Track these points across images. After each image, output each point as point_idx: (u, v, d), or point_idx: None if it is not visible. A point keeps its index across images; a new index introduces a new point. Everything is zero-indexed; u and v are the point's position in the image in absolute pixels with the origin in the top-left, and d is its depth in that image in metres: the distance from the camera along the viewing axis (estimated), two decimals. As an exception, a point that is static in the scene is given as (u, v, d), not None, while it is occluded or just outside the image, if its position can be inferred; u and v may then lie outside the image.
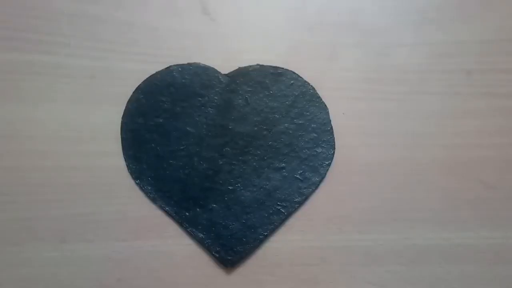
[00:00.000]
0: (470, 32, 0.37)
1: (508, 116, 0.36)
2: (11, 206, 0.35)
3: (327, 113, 0.36)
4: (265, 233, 0.35)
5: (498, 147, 0.36)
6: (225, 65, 0.36)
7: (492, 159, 0.36)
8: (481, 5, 0.37)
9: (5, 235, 0.35)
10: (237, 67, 0.36)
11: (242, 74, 0.36)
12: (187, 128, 0.36)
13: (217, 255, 0.34)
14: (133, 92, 0.36)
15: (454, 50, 0.37)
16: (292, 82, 0.36)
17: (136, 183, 0.35)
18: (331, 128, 0.36)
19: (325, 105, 0.36)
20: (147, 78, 0.36)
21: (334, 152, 0.36)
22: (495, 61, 0.37)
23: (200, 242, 0.35)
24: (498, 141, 0.36)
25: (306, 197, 0.35)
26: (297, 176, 0.35)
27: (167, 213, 0.35)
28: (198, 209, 0.35)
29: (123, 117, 0.36)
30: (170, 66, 0.36)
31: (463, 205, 0.35)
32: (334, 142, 0.36)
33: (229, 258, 0.34)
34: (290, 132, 0.36)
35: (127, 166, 0.36)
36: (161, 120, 0.36)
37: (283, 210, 0.35)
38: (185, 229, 0.35)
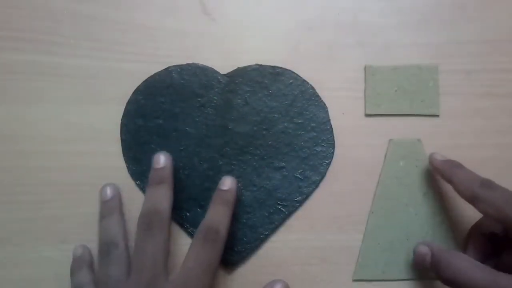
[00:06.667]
0: (470, 32, 0.37)
1: (508, 116, 0.36)
2: (11, 206, 0.35)
3: (326, 112, 0.36)
4: (266, 233, 0.35)
5: (498, 147, 0.36)
6: (224, 65, 0.36)
7: (492, 159, 0.36)
8: (481, 5, 0.37)
9: (5, 235, 0.35)
10: (236, 67, 0.36)
11: (241, 74, 0.36)
12: (187, 128, 0.36)
13: (217, 255, 0.34)
14: (132, 93, 0.36)
15: (454, 50, 0.37)
16: (291, 81, 0.36)
17: (137, 184, 0.35)
18: (331, 126, 0.36)
19: (325, 104, 0.36)
20: (146, 79, 0.36)
21: (334, 150, 0.36)
22: (495, 61, 0.37)
23: (200, 242, 0.35)
24: (498, 141, 0.36)
25: (306, 196, 0.35)
26: (297, 175, 0.35)
27: (167, 213, 0.35)
28: (198, 209, 0.35)
29: (123, 118, 0.36)
30: (169, 67, 0.36)
31: (463, 205, 0.35)
32: (334, 140, 0.36)
33: (230, 258, 0.34)
34: (290, 131, 0.36)
35: (128, 167, 0.36)
36: (160, 121, 0.36)
37: (283, 210, 0.35)
38: (185, 229, 0.35)
